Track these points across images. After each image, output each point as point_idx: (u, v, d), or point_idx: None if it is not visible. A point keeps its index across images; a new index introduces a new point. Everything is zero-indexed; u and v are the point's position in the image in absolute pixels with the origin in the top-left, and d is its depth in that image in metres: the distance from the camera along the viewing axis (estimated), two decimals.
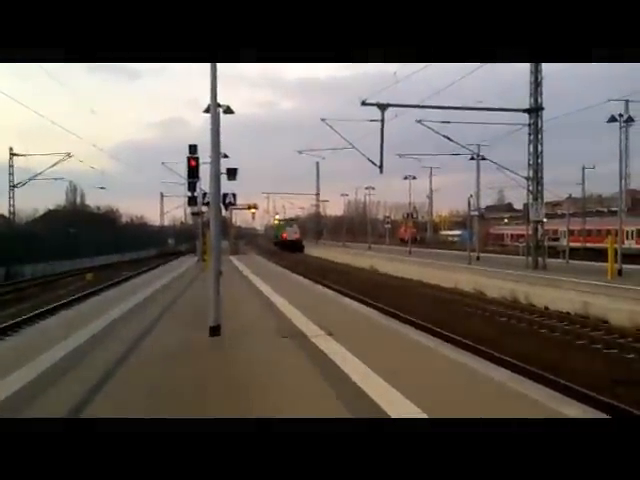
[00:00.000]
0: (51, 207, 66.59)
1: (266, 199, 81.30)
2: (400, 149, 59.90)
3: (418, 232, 67.76)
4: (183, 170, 31.23)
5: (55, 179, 40.03)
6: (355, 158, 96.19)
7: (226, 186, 25.14)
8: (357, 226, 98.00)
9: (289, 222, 66.29)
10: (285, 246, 58.60)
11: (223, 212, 44.00)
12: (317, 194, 78.97)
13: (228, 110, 10.69)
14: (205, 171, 17.61)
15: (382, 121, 22.60)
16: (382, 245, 56.04)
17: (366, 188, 62.85)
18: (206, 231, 15.04)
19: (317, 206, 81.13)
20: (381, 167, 24.68)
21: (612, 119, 20.70)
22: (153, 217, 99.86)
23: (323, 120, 24.96)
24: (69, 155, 36.10)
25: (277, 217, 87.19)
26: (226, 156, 21.84)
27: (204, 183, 29.54)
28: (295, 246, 58.00)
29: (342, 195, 70.14)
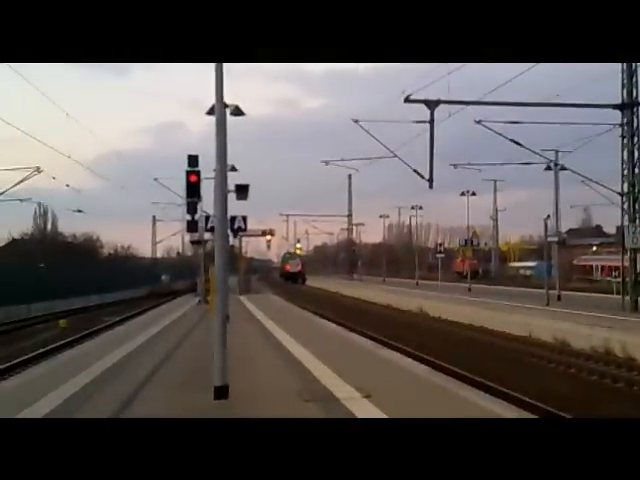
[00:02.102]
0: (15, 236, 68.02)
1: (285, 222, 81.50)
2: (455, 157, 59.85)
3: (480, 264, 67.35)
4: (180, 188, 31.71)
5: (21, 200, 37.16)
6: (397, 170, 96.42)
7: (235, 207, 25.40)
8: (401, 256, 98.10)
9: (292, 255, 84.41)
10: (288, 277, 77.07)
11: (231, 240, 44.58)
12: (349, 215, 79.41)
13: (237, 111, 10.61)
14: (208, 188, 17.91)
15: (431, 122, 22.57)
16: (433, 281, 55.68)
17: (412, 207, 63.20)
18: (209, 265, 15.10)
19: (349, 231, 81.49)
20: (431, 181, 24.71)
21: None
22: (143, 247, 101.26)
23: (356, 122, 25.12)
24: (38, 170, 32.71)
25: (298, 246, 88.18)
26: (234, 169, 22.15)
27: (207, 204, 29.96)
28: (297, 277, 76.51)
29: (381, 217, 69.82)
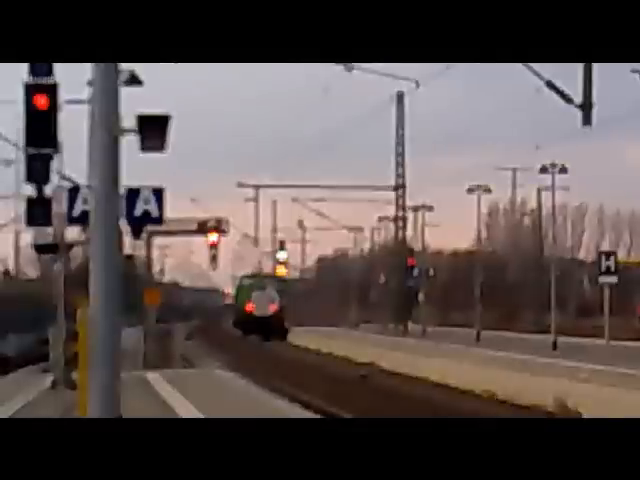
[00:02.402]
0: None
1: (251, 204, 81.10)
2: None
3: None
4: (12, 124, 31.46)
5: None
6: (507, 82, 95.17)
7: (138, 170, 24.97)
8: (519, 281, 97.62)
9: (259, 280, 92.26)
10: (250, 327, 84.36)
11: (128, 244, 44.08)
12: (398, 188, 78.95)
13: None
14: (76, 126, 17.68)
15: None
16: (590, 338, 55.48)
17: (542, 170, 62.63)
18: (78, 301, 14.86)
19: (399, 222, 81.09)
20: (586, 107, 24.77)
21: None
22: None
23: None
24: None
25: (281, 257, 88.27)
26: (136, 80, 22.04)
27: (73, 161, 29.78)
28: (268, 328, 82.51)
29: (471, 191, 69.36)
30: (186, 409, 26.18)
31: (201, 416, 24.15)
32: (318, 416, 26.83)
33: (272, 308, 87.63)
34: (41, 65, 16.31)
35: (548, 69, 27.41)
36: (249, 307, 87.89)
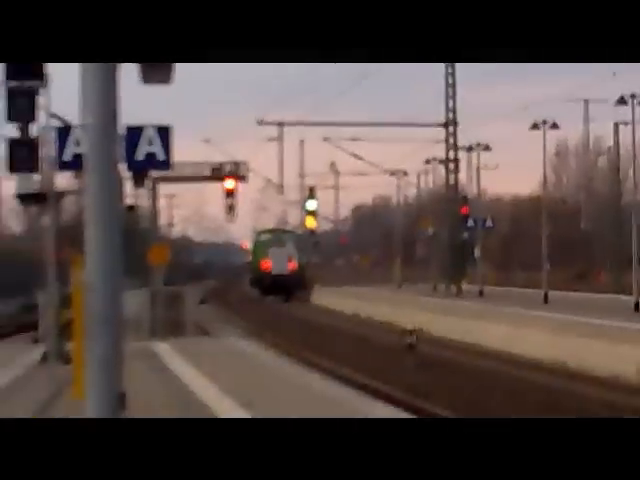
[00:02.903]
0: None
1: (274, 143, 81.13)
2: None
3: None
4: None
5: None
6: None
7: (141, 106, 24.72)
8: (594, 232, 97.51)
9: (277, 235, 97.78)
10: (267, 287, 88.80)
11: (130, 193, 44.04)
12: (449, 124, 79.16)
13: None
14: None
15: None
16: None
17: (620, 100, 62.53)
18: (73, 260, 14.82)
19: (450, 165, 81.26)
20: None
21: None
22: None
23: None
24: None
25: (310, 207, 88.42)
26: None
27: (62, 95, 29.91)
28: (287, 287, 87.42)
29: (536, 127, 69.34)
30: (204, 388, 26.04)
31: (223, 396, 24.00)
32: (358, 393, 26.67)
33: (291, 266, 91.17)
34: None
35: None
36: (266, 265, 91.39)
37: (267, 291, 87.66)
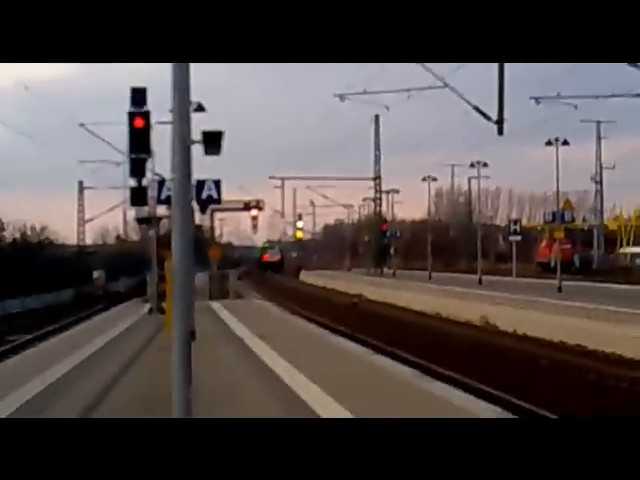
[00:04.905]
0: None
1: (278, 190, 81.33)
2: (538, 88, 58.89)
3: (576, 249, 66.96)
4: (120, 138, 31.41)
5: None
6: (448, 107, 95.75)
7: (203, 168, 25.05)
8: (455, 240, 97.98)
9: (271, 244, 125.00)
10: (266, 267, 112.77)
11: (197, 218, 44.52)
12: (376, 178, 79.17)
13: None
14: (162, 139, 17.70)
15: None
16: (505, 277, 55.54)
17: (471, 165, 62.49)
18: (165, 255, 14.86)
19: (377, 201, 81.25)
20: (500, 123, 24.68)
21: None
22: (65, 229, 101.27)
23: None
24: None
25: (299, 225, 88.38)
26: (201, 108, 21.98)
27: (160, 162, 29.62)
28: (275, 266, 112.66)
29: (425, 179, 68.97)
30: (237, 326, 26.25)
31: (245, 329, 24.29)
32: (327, 332, 26.66)
33: (276, 257, 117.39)
34: (139, 97, 16.22)
35: (475, 97, 27.41)
36: (265, 257, 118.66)
37: (266, 269, 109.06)
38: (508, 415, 11.88)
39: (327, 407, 11.48)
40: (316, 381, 13.83)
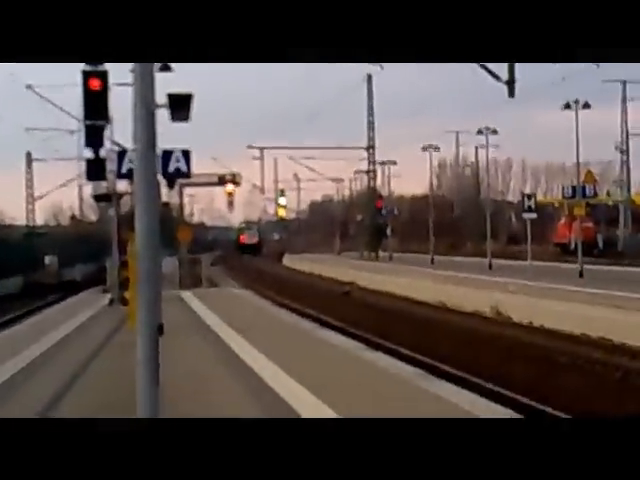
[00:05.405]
0: None
1: (258, 161, 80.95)
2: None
3: (599, 228, 66.96)
4: (73, 102, 31.17)
5: None
6: (451, 67, 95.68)
7: (170, 135, 24.86)
8: (460, 218, 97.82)
9: (249, 225, 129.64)
10: (244, 249, 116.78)
11: (164, 194, 44.30)
12: (370, 148, 78.99)
13: None
14: (122, 103, 17.55)
15: None
16: (518, 261, 55.54)
17: (478, 132, 62.44)
18: (127, 237, 14.72)
19: (371, 174, 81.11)
20: (511, 83, 24.54)
21: None
22: (11, 207, 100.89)
23: None
24: None
25: (281, 202, 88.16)
26: (167, 68, 21.83)
27: (120, 130, 29.42)
28: (253, 249, 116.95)
29: (425, 149, 69.00)
30: (210, 317, 26.31)
31: (221, 322, 24.27)
32: (312, 324, 26.78)
33: (254, 239, 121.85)
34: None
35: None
36: (242, 239, 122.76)
37: (243, 252, 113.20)
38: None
39: (315, 410, 11.53)
40: (305, 384, 13.88)
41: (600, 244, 64.79)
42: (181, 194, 47.29)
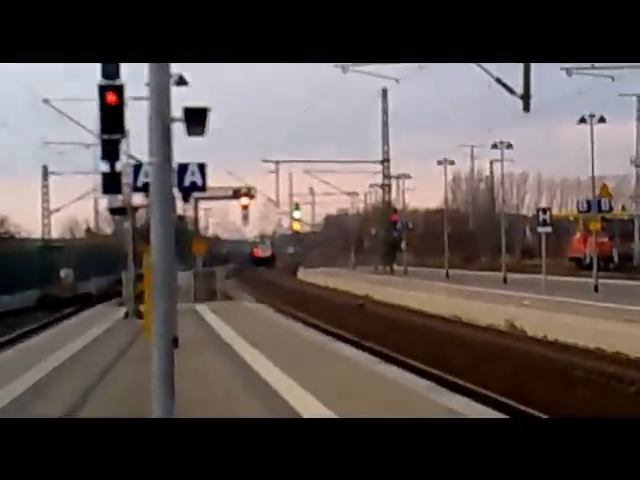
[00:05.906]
0: None
1: (272, 175, 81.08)
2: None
3: (615, 243, 66.73)
4: (90, 116, 31.31)
5: None
6: (467, 80, 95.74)
7: (186, 151, 24.97)
8: (475, 232, 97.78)
9: (262, 239, 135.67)
10: (259, 263, 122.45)
11: (179, 207, 44.46)
12: (384, 161, 78.99)
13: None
14: (138, 117, 17.65)
15: None
16: (533, 275, 55.44)
17: (493, 146, 62.36)
18: (142, 250, 14.76)
19: (385, 188, 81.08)
20: (526, 98, 24.56)
21: None
22: (27, 221, 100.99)
23: None
24: None
25: (296, 216, 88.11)
26: (183, 81, 21.93)
27: (136, 144, 29.58)
28: (267, 262, 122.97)
29: (441, 163, 69.10)
30: (225, 331, 26.31)
31: (236, 335, 24.31)
32: (326, 337, 26.82)
33: (268, 252, 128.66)
34: (111, 69, 16.21)
35: (496, 68, 28.19)
36: (256, 252, 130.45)
37: (257, 265, 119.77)
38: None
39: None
40: (319, 397, 13.90)
41: (615, 258, 64.56)
42: (196, 207, 47.49)
